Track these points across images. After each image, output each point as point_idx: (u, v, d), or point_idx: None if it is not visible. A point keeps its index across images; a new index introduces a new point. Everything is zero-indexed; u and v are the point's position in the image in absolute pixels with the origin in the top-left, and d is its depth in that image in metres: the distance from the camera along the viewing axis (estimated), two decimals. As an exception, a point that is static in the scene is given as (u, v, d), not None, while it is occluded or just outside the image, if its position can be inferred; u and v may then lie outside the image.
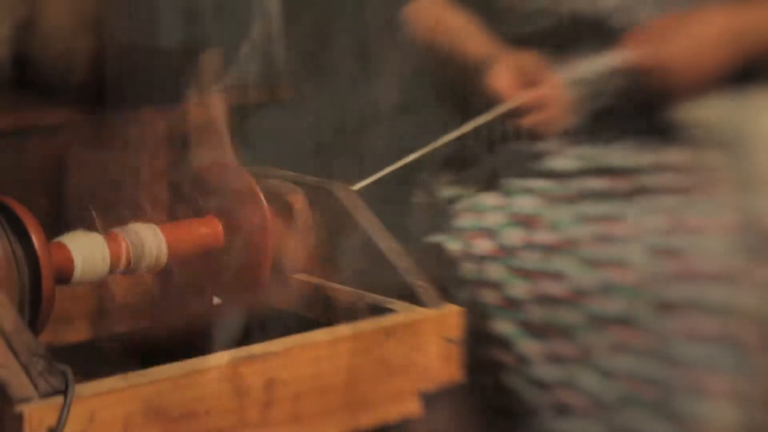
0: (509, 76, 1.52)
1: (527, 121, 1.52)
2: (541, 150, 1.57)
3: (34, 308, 1.10)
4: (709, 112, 1.53)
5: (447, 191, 1.63)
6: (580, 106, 1.54)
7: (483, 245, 1.53)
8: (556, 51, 1.58)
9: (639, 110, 1.54)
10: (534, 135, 1.54)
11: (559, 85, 1.51)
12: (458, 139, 1.54)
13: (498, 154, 1.61)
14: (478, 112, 1.56)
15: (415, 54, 1.78)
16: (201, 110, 1.38)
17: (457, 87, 1.67)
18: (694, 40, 1.51)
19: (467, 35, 1.63)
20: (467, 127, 1.53)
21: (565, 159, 1.56)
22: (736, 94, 1.53)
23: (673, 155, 1.54)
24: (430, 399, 1.22)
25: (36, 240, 1.10)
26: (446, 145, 1.54)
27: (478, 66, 1.56)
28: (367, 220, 1.29)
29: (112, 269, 1.18)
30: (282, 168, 1.38)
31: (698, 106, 1.52)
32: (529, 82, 1.52)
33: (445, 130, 1.56)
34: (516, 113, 1.51)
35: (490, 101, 1.52)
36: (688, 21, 1.52)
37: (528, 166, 1.57)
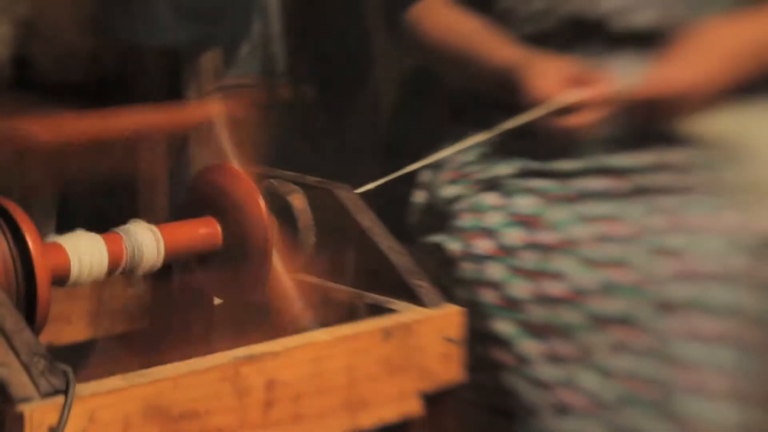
0: (554, 77, 1.50)
1: (573, 122, 1.50)
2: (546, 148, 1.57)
3: (30, 310, 1.10)
4: (711, 123, 1.52)
5: (447, 191, 1.63)
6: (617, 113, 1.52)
7: (483, 245, 1.53)
8: (557, 53, 1.58)
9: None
10: (573, 136, 1.52)
11: (611, 87, 1.49)
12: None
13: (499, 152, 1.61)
14: (482, 114, 1.55)
15: (421, 56, 1.77)
16: (201, 110, 1.38)
17: (472, 88, 1.66)
18: (707, 69, 1.49)
19: (485, 38, 1.62)
20: (510, 124, 1.51)
21: (566, 159, 1.56)
22: (741, 103, 1.53)
23: (673, 155, 1.54)
24: (430, 399, 1.22)
25: (31, 241, 1.09)
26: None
27: (508, 69, 1.54)
28: (367, 220, 1.29)
29: (111, 270, 1.18)
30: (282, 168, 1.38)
31: (701, 118, 1.52)
32: (576, 82, 1.50)
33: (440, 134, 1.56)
34: (561, 113, 1.49)
35: (531, 103, 1.50)
36: (699, 47, 1.50)
37: (528, 166, 1.57)
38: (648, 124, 1.51)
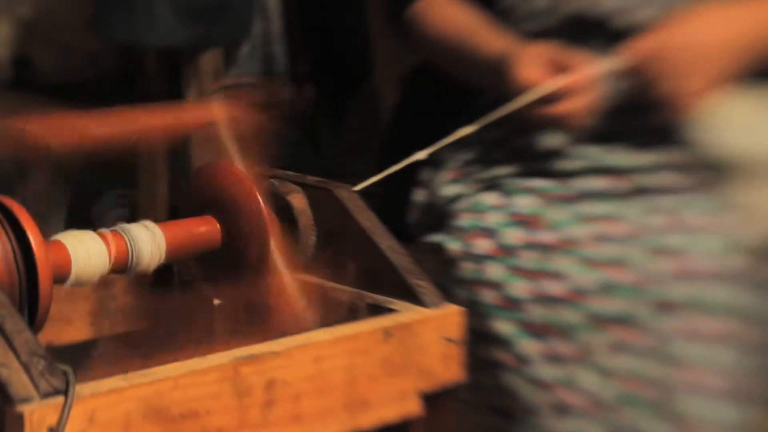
0: (539, 65, 1.49)
1: (558, 110, 1.48)
2: (547, 148, 1.56)
3: (31, 307, 1.10)
4: (712, 113, 1.51)
5: (447, 190, 1.63)
6: (603, 102, 1.50)
7: (483, 245, 1.53)
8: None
9: (639, 110, 1.53)
10: (560, 125, 1.50)
11: (592, 74, 1.49)
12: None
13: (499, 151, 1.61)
14: (480, 112, 1.55)
15: (422, 54, 1.77)
16: (201, 110, 1.38)
17: (467, 84, 1.65)
18: (700, 50, 1.48)
19: (479, 30, 1.61)
20: (496, 115, 1.49)
21: (566, 158, 1.56)
22: (740, 92, 1.52)
23: (673, 155, 1.54)
24: (430, 399, 1.22)
25: (33, 238, 1.09)
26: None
27: (498, 59, 1.53)
28: (367, 220, 1.29)
29: (112, 268, 1.18)
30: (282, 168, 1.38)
31: (702, 108, 1.51)
32: (559, 70, 1.49)
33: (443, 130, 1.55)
34: (546, 101, 1.48)
35: (517, 91, 1.49)
36: (693, 27, 1.49)
37: (528, 165, 1.57)
38: (648, 90, 1.48)
